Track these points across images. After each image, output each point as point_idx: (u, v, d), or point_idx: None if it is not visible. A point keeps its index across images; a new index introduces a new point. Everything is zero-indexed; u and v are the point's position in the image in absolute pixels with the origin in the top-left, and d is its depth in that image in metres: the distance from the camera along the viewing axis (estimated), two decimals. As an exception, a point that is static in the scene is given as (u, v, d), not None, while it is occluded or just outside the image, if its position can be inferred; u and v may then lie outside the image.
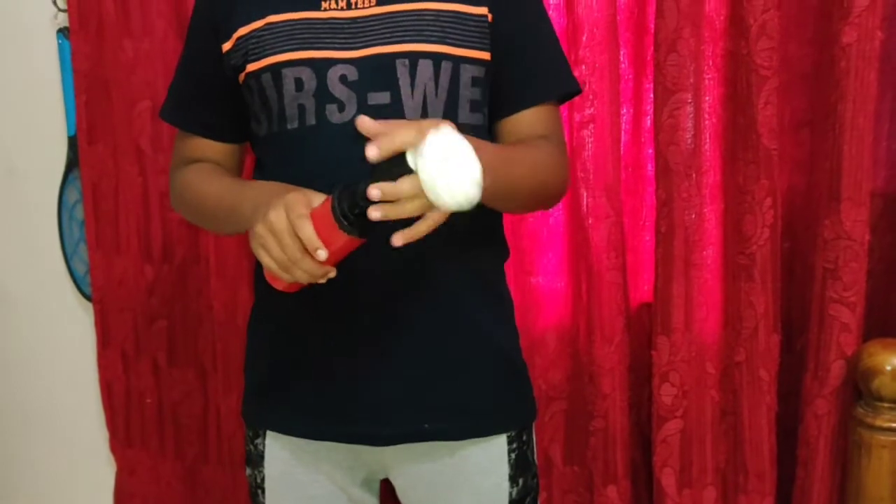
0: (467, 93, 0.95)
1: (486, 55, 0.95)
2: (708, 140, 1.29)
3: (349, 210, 0.80)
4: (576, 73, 1.34)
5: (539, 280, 1.47)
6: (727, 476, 1.37)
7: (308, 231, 0.81)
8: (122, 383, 1.91)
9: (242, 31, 0.96)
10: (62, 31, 1.85)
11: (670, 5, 1.25)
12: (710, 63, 1.28)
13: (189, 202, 1.03)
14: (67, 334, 2.06)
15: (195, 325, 1.78)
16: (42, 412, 2.18)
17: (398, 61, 0.92)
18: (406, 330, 0.97)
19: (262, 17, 0.95)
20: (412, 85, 0.92)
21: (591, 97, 1.34)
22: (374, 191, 0.77)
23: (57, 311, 2.07)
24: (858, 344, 1.26)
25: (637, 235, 1.46)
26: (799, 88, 1.30)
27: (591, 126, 1.36)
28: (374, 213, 0.78)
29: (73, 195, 1.95)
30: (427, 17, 0.93)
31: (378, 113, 0.86)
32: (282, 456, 1.06)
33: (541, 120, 0.99)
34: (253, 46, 0.96)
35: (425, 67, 0.92)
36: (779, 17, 1.23)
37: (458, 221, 0.84)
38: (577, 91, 1.05)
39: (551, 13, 1.38)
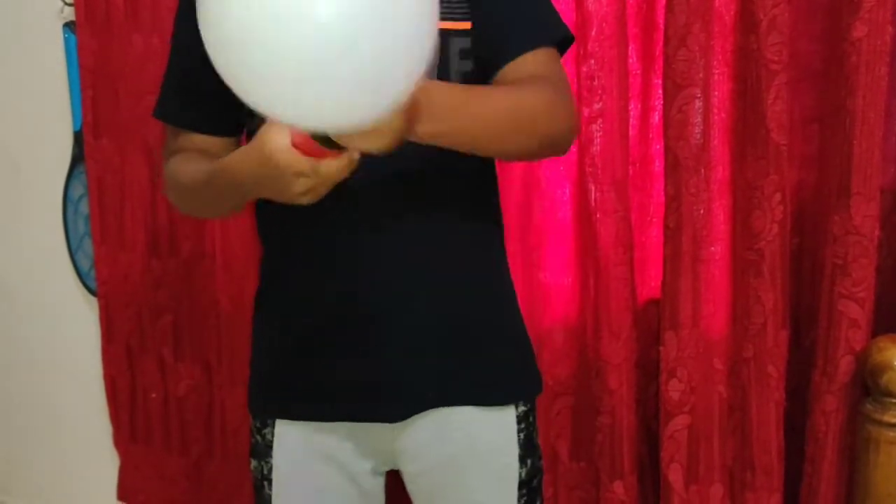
0: (456, 65, 0.95)
1: (467, 25, 0.95)
2: (717, 135, 1.29)
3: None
4: (584, 68, 1.35)
5: (546, 275, 1.46)
6: (734, 472, 1.37)
7: (326, 169, 0.79)
8: (126, 378, 1.91)
9: None
10: (68, 26, 1.85)
11: (680, 0, 1.24)
12: (720, 58, 1.27)
13: (181, 187, 1.02)
14: (72, 329, 2.06)
15: (201, 319, 1.77)
16: (46, 407, 2.18)
17: None
18: (409, 306, 0.98)
19: None
20: None
21: (599, 92, 1.34)
22: None
23: (61, 306, 2.07)
24: (867, 340, 1.26)
25: (645, 231, 1.46)
26: (808, 84, 1.30)
27: (600, 121, 1.35)
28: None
29: (78, 190, 1.95)
30: None
31: None
32: (292, 446, 1.06)
33: (536, 64, 0.95)
34: None
35: None
36: (789, 11, 1.22)
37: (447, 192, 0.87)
38: (567, 37, 1.01)
39: (560, 8, 1.38)
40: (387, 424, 1.01)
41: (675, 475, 1.37)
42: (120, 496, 1.99)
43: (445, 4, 0.91)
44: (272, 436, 1.07)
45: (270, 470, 1.08)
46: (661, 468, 1.38)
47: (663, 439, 1.37)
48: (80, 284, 2.00)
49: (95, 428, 2.03)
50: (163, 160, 1.10)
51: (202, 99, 1.01)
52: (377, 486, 1.11)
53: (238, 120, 1.04)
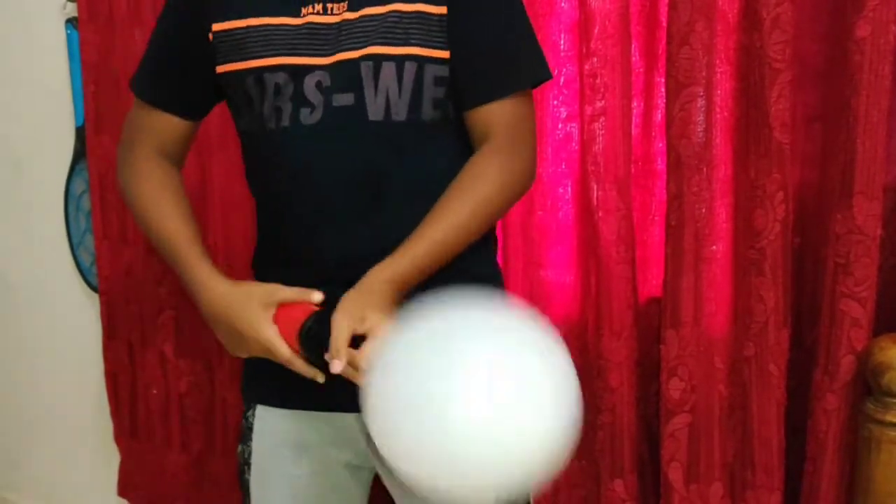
0: (430, 92, 0.98)
1: (446, 54, 0.97)
2: (719, 134, 1.29)
3: (313, 348, 0.92)
4: (586, 66, 1.35)
5: (548, 273, 1.46)
6: (735, 471, 1.36)
7: (285, 359, 0.95)
8: (127, 374, 1.91)
9: (220, 26, 0.99)
10: (71, 21, 1.85)
11: (684, -2, 1.24)
12: (723, 56, 1.27)
13: (139, 216, 1.08)
14: (73, 325, 2.06)
15: (202, 316, 1.77)
16: (47, 403, 2.18)
17: (363, 64, 0.95)
18: None
19: (242, 17, 0.98)
20: (375, 87, 0.96)
21: (602, 90, 1.34)
22: (338, 366, 0.86)
23: (63, 301, 2.08)
24: (869, 339, 1.26)
25: (646, 229, 1.45)
26: (811, 82, 1.29)
27: (602, 119, 1.35)
28: (335, 368, 0.87)
29: (79, 186, 1.95)
30: (391, 20, 0.96)
31: (342, 113, 0.95)
32: (270, 430, 1.08)
33: (501, 113, 1.00)
34: (232, 45, 0.99)
35: (388, 70, 0.95)
36: (792, 10, 1.22)
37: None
38: (542, 80, 1.05)
39: (563, 5, 1.39)
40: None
41: (675, 474, 1.37)
42: (120, 492, 1.99)
43: (425, 32, 0.95)
44: (252, 419, 1.09)
45: (250, 454, 1.10)
46: (662, 467, 1.38)
47: (664, 438, 1.37)
48: (81, 280, 2.00)
49: (96, 424, 2.03)
50: (123, 134, 1.12)
51: (176, 82, 1.06)
52: (354, 483, 1.11)
53: (204, 107, 1.10)
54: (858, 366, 1.26)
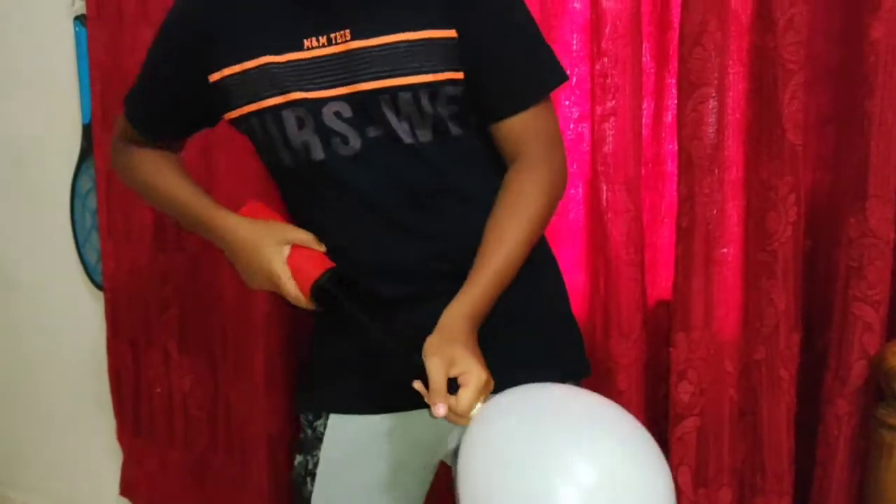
0: (448, 111, 0.99)
1: (459, 75, 0.98)
2: (731, 135, 1.28)
3: (322, 303, 1.01)
4: (597, 66, 1.34)
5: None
6: (744, 476, 1.35)
7: (292, 295, 1.02)
8: (131, 372, 1.90)
9: (229, 70, 0.99)
10: (79, 19, 1.85)
11: (696, -2, 1.24)
12: (735, 57, 1.26)
13: (145, 190, 1.13)
14: (77, 322, 2.06)
15: (206, 313, 1.77)
16: (50, 400, 2.18)
17: (381, 98, 0.97)
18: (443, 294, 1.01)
19: (247, 59, 0.98)
20: (398, 116, 0.98)
21: (612, 90, 1.33)
22: (441, 410, 0.90)
23: (67, 299, 2.07)
24: (882, 343, 1.25)
25: (656, 231, 1.44)
26: (824, 84, 1.28)
27: (612, 119, 1.34)
28: (439, 412, 0.90)
29: (86, 183, 1.95)
30: (400, 50, 0.96)
31: (379, 144, 0.98)
32: (342, 439, 1.08)
33: (525, 125, 1.02)
34: (243, 88, 0.99)
35: (406, 99, 0.97)
36: (806, 11, 1.21)
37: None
38: (559, 83, 1.06)
39: (575, 5, 1.38)
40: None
41: (683, 478, 1.36)
42: (122, 491, 1.98)
43: (435, 57, 0.97)
44: (324, 428, 1.09)
45: (316, 464, 1.09)
46: (670, 470, 1.37)
47: (672, 441, 1.36)
48: (86, 278, 2.00)
49: (99, 422, 2.02)
50: (116, 132, 1.16)
51: (168, 116, 1.10)
52: (416, 485, 1.12)
53: (195, 130, 1.15)
54: (870, 370, 1.25)
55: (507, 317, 1.02)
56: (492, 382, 0.94)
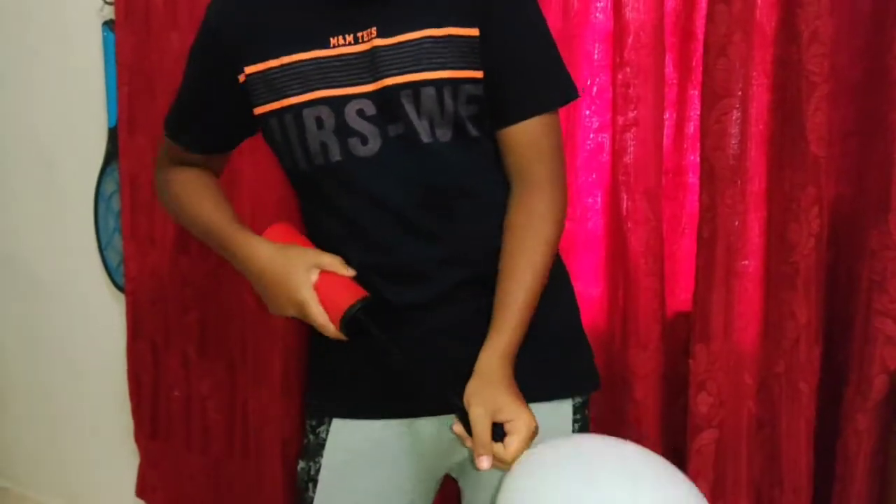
0: (467, 111, 0.99)
1: (479, 74, 0.99)
2: (754, 146, 1.27)
3: (353, 333, 0.98)
4: (619, 76, 1.35)
5: (575, 284, 1.44)
6: (762, 489, 1.34)
7: (319, 322, 1.00)
8: (150, 375, 1.92)
9: (253, 68, 1.00)
10: (107, 24, 1.88)
11: (721, 10, 1.24)
12: (760, 69, 1.26)
13: (178, 213, 1.12)
14: (98, 324, 2.08)
15: (227, 318, 1.78)
16: (69, 401, 2.20)
17: (402, 93, 0.97)
18: (470, 305, 1.02)
19: (273, 57, 0.99)
20: (419, 113, 0.98)
21: (634, 100, 1.33)
22: (486, 462, 0.91)
23: (89, 300, 2.09)
24: (903, 358, 1.23)
25: (675, 242, 1.44)
26: (849, 96, 1.28)
27: (634, 129, 1.35)
28: (484, 465, 0.91)
29: (110, 186, 1.97)
30: (426, 46, 0.97)
31: (398, 143, 0.98)
32: (344, 445, 1.07)
33: (530, 135, 1.01)
34: (267, 86, 1.00)
35: (428, 94, 0.97)
36: (831, 23, 1.21)
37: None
38: (571, 98, 1.06)
39: (598, 15, 1.38)
40: (442, 418, 1.02)
41: (701, 490, 1.34)
42: (139, 493, 1.99)
43: (458, 54, 0.98)
44: (326, 434, 1.08)
45: (318, 470, 1.08)
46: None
47: (690, 453, 1.35)
48: (108, 280, 2.02)
49: (117, 423, 2.04)
50: (159, 158, 1.16)
51: (206, 127, 1.10)
52: (420, 494, 1.11)
53: (236, 141, 1.13)
54: (892, 385, 1.24)
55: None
56: (538, 427, 0.93)
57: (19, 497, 2.32)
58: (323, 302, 0.99)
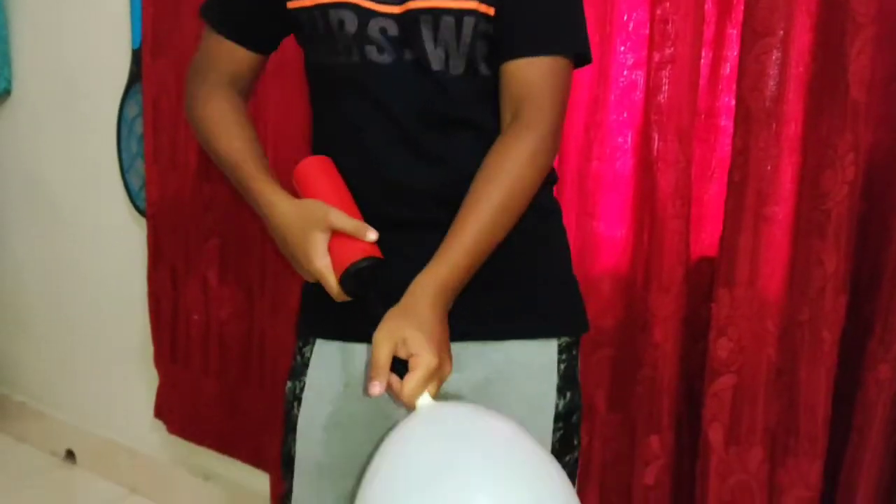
0: (482, 47, 0.98)
1: (491, 11, 0.97)
2: (792, 88, 1.24)
3: (352, 290, 0.97)
4: (658, 11, 1.31)
5: (600, 225, 1.44)
6: (777, 436, 1.34)
7: (327, 283, 0.98)
8: (170, 299, 1.93)
9: None
10: (133, -58, 1.84)
11: (767, -57, 1.19)
12: (803, 8, 1.22)
13: (205, 139, 1.09)
14: (119, 248, 2.09)
15: (247, 246, 1.78)
16: (90, 324, 2.22)
17: (422, 17, 0.96)
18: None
19: None
20: (435, 41, 0.97)
21: (672, 37, 1.30)
22: (377, 388, 0.88)
23: (110, 224, 2.10)
24: (931, 311, 1.22)
25: (703, 186, 1.42)
26: (894, 41, 1.24)
27: (669, 67, 1.31)
28: (374, 391, 0.88)
29: (133, 109, 1.96)
30: None
31: (409, 65, 0.98)
32: (326, 364, 1.07)
33: (535, 72, 0.98)
34: None
35: (447, 24, 0.96)
36: (882, -38, 1.16)
37: None
38: (580, 54, 1.02)
39: (639, -54, 1.34)
40: None
41: (715, 434, 1.35)
42: (157, 413, 2.03)
43: None
44: (310, 353, 1.09)
45: (303, 389, 1.09)
46: (703, 426, 1.36)
47: (707, 397, 1.35)
48: (129, 204, 2.02)
49: (137, 346, 2.07)
50: (192, 68, 1.13)
51: (246, 15, 1.07)
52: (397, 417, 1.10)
53: (273, 41, 1.11)
54: (917, 337, 1.22)
55: (500, 267, 1.00)
56: (447, 370, 0.90)
57: (35, 413, 2.37)
58: (334, 267, 0.97)
